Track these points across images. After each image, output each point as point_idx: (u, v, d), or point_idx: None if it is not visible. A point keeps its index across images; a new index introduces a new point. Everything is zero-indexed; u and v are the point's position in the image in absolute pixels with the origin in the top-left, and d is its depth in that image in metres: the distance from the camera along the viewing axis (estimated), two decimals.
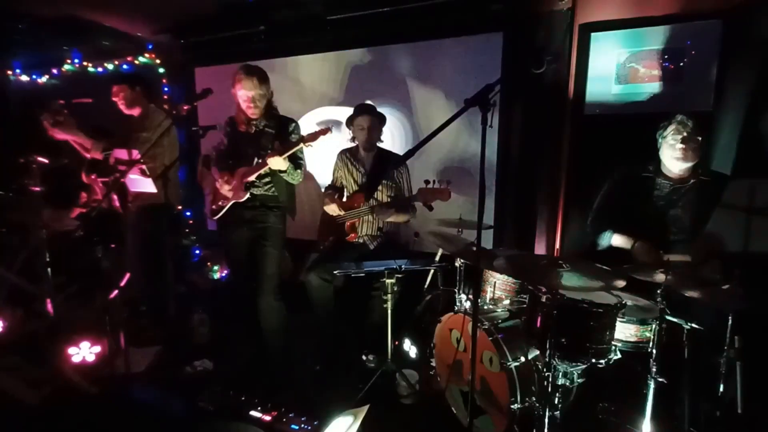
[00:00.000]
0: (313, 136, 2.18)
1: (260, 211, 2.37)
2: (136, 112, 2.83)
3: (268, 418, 1.91)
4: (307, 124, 3.48)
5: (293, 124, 2.41)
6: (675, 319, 1.63)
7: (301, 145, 2.21)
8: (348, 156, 2.78)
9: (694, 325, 1.60)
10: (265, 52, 3.62)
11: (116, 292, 2.00)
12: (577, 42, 2.69)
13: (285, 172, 2.26)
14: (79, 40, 4.24)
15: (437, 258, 2.74)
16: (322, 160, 3.32)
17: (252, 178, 2.30)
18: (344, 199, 2.78)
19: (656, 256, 1.89)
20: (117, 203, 2.68)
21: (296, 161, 2.33)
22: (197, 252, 4.37)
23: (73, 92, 3.63)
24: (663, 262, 1.57)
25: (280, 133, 2.33)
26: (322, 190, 2.87)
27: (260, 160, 2.26)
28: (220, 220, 2.41)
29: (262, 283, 2.35)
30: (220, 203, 2.38)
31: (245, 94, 2.24)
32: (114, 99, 2.77)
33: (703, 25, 2.38)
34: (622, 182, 2.15)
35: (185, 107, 2.10)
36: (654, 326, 1.64)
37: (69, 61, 4.51)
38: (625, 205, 2.10)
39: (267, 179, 2.36)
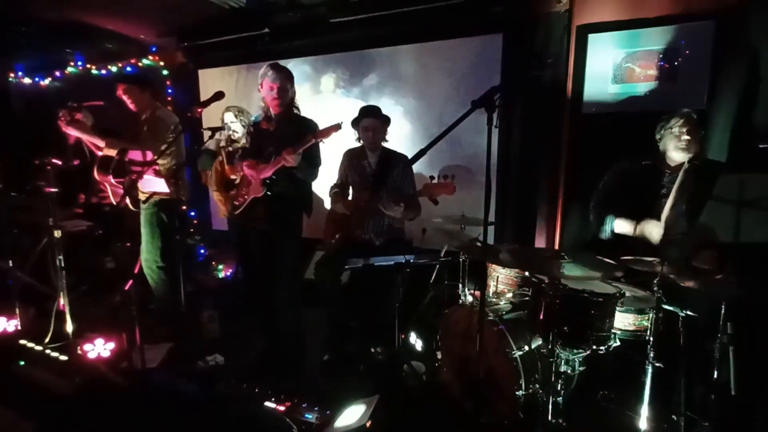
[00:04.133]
0: (325, 133, 2.23)
1: (277, 207, 2.41)
2: (143, 111, 2.88)
3: (282, 408, 1.98)
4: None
5: (313, 125, 2.42)
6: (670, 308, 1.72)
7: (313, 141, 2.25)
8: (354, 155, 2.85)
9: (689, 313, 1.68)
10: (268, 54, 3.68)
11: (131, 282, 2.06)
12: (574, 43, 2.76)
13: (297, 168, 2.30)
14: (83, 44, 4.29)
15: (442, 253, 2.81)
16: (329, 160, 3.39)
17: (269, 174, 2.34)
18: (350, 198, 2.84)
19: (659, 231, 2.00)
20: (128, 201, 2.74)
21: (311, 159, 2.37)
22: (202, 251, 4.43)
23: (77, 95, 3.68)
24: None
25: (299, 132, 2.36)
26: (328, 189, 2.93)
27: (277, 157, 2.30)
28: (237, 216, 2.45)
29: (280, 278, 2.39)
30: (241, 199, 2.44)
31: (269, 84, 2.32)
32: (123, 97, 2.82)
33: (697, 26, 2.46)
34: (624, 171, 2.26)
35: (199, 110, 2.15)
36: (651, 315, 1.73)
37: (72, 63, 4.55)
38: (626, 193, 2.19)
39: (284, 176, 2.38)
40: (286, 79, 2.35)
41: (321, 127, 2.34)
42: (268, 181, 2.36)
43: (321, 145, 2.37)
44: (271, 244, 2.42)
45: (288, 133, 2.36)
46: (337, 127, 2.24)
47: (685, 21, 2.48)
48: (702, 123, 2.09)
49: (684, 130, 2.05)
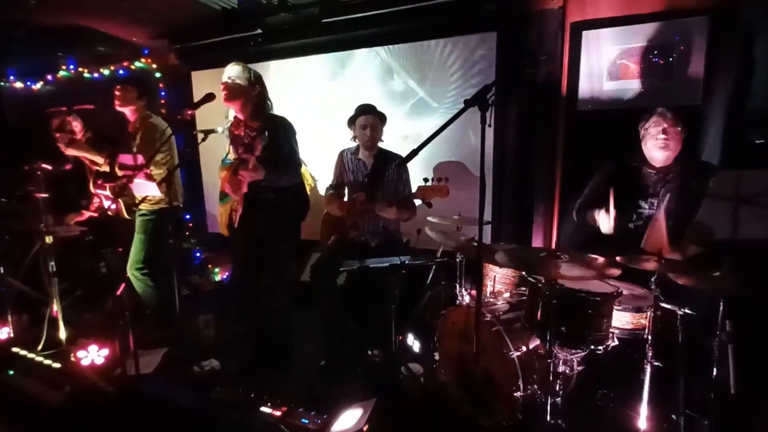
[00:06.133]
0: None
1: (267, 213, 2.35)
2: (132, 116, 2.86)
3: (278, 413, 1.95)
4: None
5: (280, 123, 2.29)
6: (668, 306, 1.70)
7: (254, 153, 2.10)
8: (349, 156, 2.83)
9: (687, 311, 1.67)
10: (261, 55, 3.66)
11: (122, 286, 2.03)
12: (568, 40, 2.75)
13: (264, 180, 2.18)
14: (75, 47, 4.25)
15: (438, 254, 2.79)
16: (323, 161, 3.36)
17: (245, 189, 2.27)
18: (345, 199, 2.82)
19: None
20: (122, 207, 2.71)
21: (279, 164, 2.22)
22: (198, 255, 4.41)
23: (69, 98, 3.64)
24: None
25: (267, 134, 2.22)
26: (324, 190, 2.91)
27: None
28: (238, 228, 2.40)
29: (268, 284, 2.35)
30: (235, 215, 2.40)
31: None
32: (116, 93, 2.78)
33: (691, 21, 2.45)
34: (611, 173, 2.24)
35: (189, 112, 2.13)
36: (649, 313, 1.71)
37: (64, 67, 4.51)
38: (614, 195, 2.18)
39: (258, 186, 2.29)
40: (238, 73, 2.20)
41: (294, 125, 2.25)
42: (247, 195, 2.31)
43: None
44: (262, 250, 2.36)
45: (253, 137, 2.23)
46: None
47: (679, 17, 2.47)
48: (685, 119, 2.06)
49: (659, 129, 2.03)
